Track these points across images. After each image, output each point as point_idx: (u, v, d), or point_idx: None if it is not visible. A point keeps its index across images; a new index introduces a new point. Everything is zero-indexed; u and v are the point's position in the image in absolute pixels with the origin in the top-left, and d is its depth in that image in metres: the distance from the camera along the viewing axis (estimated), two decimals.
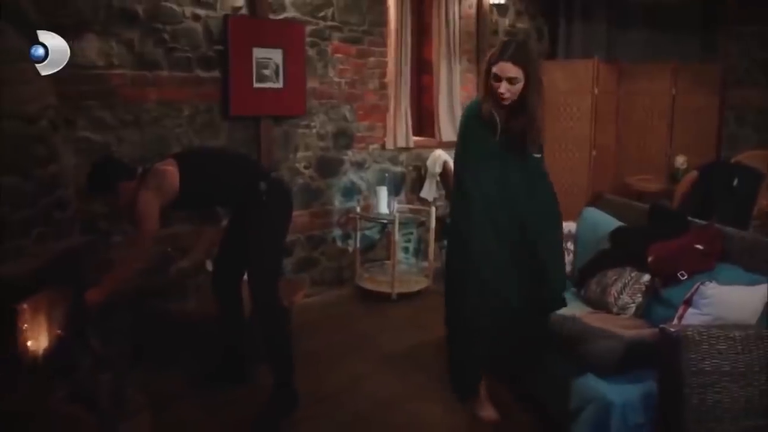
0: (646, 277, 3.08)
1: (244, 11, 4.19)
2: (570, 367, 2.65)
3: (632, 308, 3.07)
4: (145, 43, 3.75)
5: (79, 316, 2.84)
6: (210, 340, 3.46)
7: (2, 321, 2.64)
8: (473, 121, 2.87)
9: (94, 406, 2.36)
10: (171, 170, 2.96)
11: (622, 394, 2.41)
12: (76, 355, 2.83)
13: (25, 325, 2.91)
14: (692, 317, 2.42)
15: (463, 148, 2.94)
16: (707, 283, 2.46)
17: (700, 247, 2.93)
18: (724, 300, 2.44)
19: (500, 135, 2.81)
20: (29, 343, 2.88)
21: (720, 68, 6.18)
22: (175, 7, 3.85)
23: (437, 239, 5.72)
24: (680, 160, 5.34)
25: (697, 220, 3.33)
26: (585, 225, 3.83)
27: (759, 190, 4.42)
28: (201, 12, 3.97)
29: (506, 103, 2.71)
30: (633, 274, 3.14)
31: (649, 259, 3.07)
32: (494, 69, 2.68)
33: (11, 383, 2.49)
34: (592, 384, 2.51)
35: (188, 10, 3.91)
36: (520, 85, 2.66)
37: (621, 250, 3.36)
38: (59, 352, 2.83)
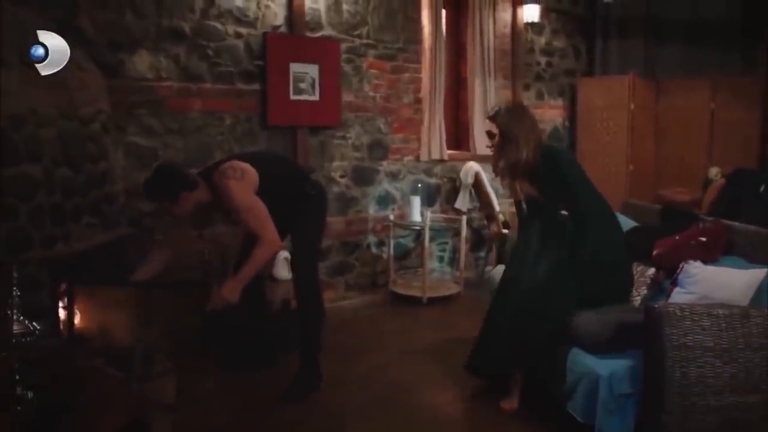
0: (651, 271, 3.18)
1: (283, 29, 4.53)
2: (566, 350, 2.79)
3: (638, 300, 3.16)
4: (190, 57, 4.12)
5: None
6: (238, 327, 3.72)
7: (52, 297, 2.99)
8: None
9: (126, 369, 2.64)
10: (251, 168, 3.06)
11: (609, 367, 2.54)
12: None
13: (76, 303, 3.25)
14: (678, 296, 2.52)
15: None
16: (691, 262, 2.55)
17: (702, 239, 3.01)
18: (709, 279, 2.53)
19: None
20: (76, 322, 3.21)
21: (761, 81, 6.13)
22: (218, 25, 4.22)
23: (471, 249, 5.89)
24: (714, 171, 5.34)
25: (708, 218, 3.41)
26: None
27: None
28: (242, 30, 4.33)
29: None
30: (639, 269, 3.24)
31: (654, 252, 3.17)
32: None
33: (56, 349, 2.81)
34: (583, 360, 2.64)
35: (231, 29, 4.28)
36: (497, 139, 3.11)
37: (631, 247, 3.45)
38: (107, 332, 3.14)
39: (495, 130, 3.10)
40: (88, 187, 3.25)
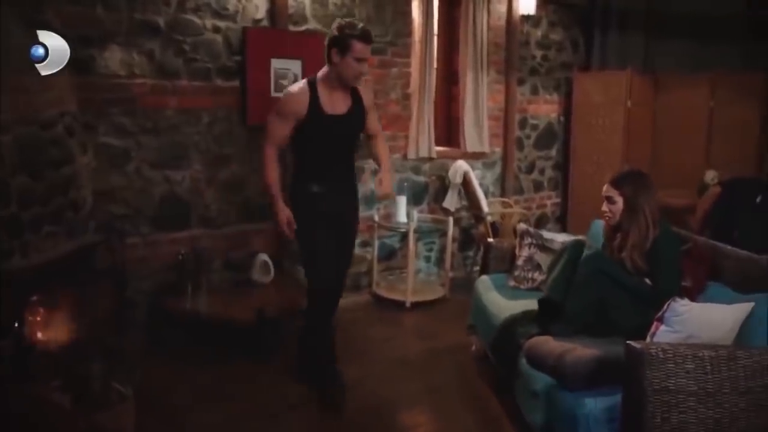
0: None
1: (265, 23, 4.34)
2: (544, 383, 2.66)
3: None
4: (165, 53, 3.93)
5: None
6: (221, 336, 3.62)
7: (11, 313, 2.85)
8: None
9: (81, 395, 2.51)
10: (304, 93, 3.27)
11: (586, 406, 2.41)
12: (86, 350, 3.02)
13: (37, 318, 3.13)
14: (664, 335, 2.38)
15: None
16: (678, 300, 2.42)
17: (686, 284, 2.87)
18: (697, 317, 2.39)
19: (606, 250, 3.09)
20: (39, 335, 3.09)
21: (764, 78, 5.92)
22: (195, 19, 4.03)
23: (460, 248, 5.75)
24: (710, 176, 5.15)
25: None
26: (592, 237, 3.79)
27: None
28: (221, 24, 4.14)
29: (609, 222, 3.03)
30: None
31: None
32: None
33: (17, 374, 2.68)
34: (561, 398, 2.51)
35: (209, 23, 4.09)
36: (617, 207, 2.94)
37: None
38: (70, 346, 3.04)
39: (617, 198, 2.93)
40: (50, 194, 3.09)
